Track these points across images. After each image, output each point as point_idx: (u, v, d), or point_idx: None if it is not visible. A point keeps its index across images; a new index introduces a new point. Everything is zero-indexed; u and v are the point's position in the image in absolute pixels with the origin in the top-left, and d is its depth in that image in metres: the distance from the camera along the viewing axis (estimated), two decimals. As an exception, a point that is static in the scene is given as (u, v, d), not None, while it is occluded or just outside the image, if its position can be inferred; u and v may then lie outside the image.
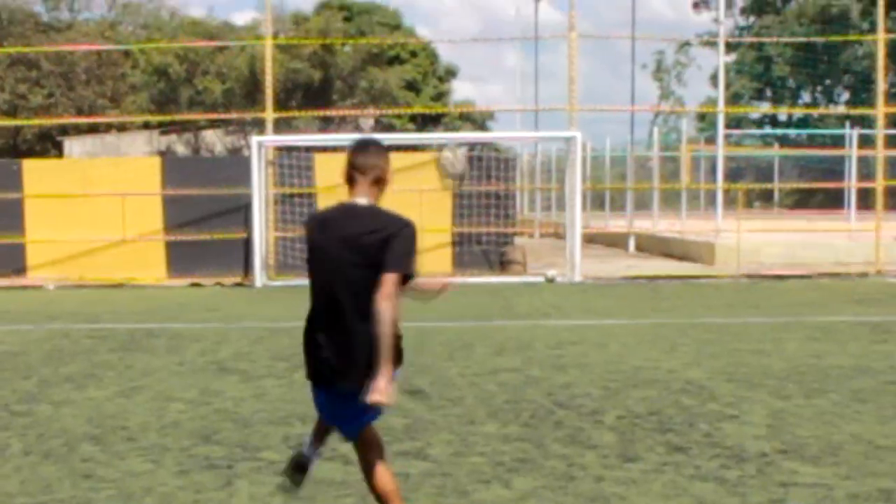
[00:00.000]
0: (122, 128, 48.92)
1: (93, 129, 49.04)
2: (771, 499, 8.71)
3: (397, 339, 6.91)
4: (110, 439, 11.21)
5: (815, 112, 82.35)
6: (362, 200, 7.10)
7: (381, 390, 6.66)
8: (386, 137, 39.81)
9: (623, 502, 8.84)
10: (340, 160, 26.88)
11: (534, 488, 9.24)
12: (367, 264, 6.82)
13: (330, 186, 31.15)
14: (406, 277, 6.90)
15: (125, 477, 9.73)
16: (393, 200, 25.35)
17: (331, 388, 7.04)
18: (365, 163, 7.16)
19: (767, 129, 77.87)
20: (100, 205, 30.78)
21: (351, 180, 7.18)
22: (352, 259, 6.87)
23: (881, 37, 33.02)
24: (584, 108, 31.58)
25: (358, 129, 52.72)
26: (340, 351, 6.95)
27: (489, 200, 32.03)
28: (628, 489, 9.19)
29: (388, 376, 6.74)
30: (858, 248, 32.92)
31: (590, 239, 40.48)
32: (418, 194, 30.79)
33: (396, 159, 31.87)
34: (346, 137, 41.12)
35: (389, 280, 6.77)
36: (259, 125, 31.87)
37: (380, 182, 7.19)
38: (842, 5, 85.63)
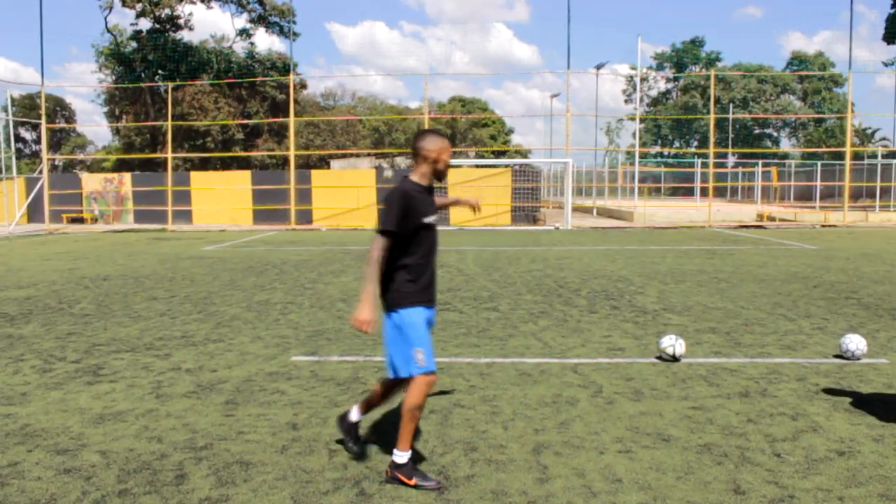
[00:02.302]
0: (357, 156, 49.09)
1: (344, 156, 49.29)
2: (658, 331, 8.59)
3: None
4: (350, 300, 11.23)
5: (680, 151, 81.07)
6: (415, 179, 4.55)
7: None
8: (481, 161, 39.62)
9: (589, 332, 8.76)
10: (461, 172, 26.25)
11: (548, 325, 9.17)
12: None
13: (454, 184, 31.13)
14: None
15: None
16: (485, 189, 24.90)
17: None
18: (420, 146, 4.54)
19: (658, 159, 76.58)
20: (347, 191, 30.95)
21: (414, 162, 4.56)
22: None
23: (712, 116, 32.73)
24: (573, 148, 31.27)
25: (468, 157, 52.47)
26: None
27: (528, 191, 31.75)
28: (593, 325, 9.09)
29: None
30: (699, 214, 32.35)
31: (575, 209, 40.12)
32: (496, 187, 30.78)
33: (486, 171, 32.04)
34: (463, 161, 41.06)
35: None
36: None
37: (434, 163, 4.54)
38: (694, 101, 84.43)
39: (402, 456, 4.49)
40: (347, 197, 31.12)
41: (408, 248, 4.45)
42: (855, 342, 7.36)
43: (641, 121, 78.67)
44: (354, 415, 4.97)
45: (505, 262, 16.60)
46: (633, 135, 44.93)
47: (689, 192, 51.08)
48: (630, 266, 15.52)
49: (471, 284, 12.88)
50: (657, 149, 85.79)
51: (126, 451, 5.04)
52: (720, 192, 54.42)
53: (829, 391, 6.30)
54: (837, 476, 4.57)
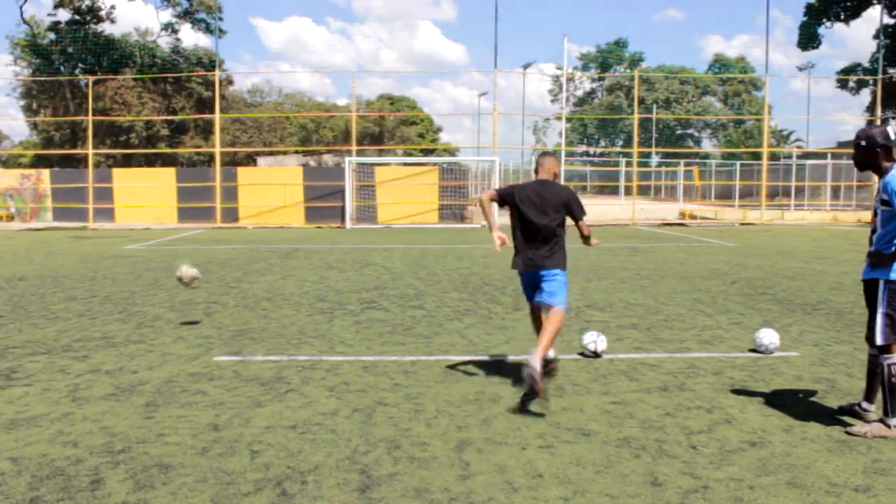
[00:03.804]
0: (284, 153, 48.54)
1: (271, 153, 48.70)
2: (580, 328, 8.71)
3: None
4: (276, 299, 11.16)
5: (606, 150, 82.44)
6: (545, 178, 6.56)
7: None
8: (409, 160, 39.58)
9: (513, 329, 8.83)
10: (388, 170, 26.29)
11: (473, 323, 9.22)
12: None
13: (381, 182, 31.06)
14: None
15: (282, 317, 9.68)
16: (411, 187, 24.93)
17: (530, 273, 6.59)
18: (542, 161, 6.67)
19: (584, 158, 77.65)
20: (273, 189, 30.60)
21: (537, 170, 6.65)
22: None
23: (636, 116, 33.32)
24: (501, 146, 31.34)
25: (395, 155, 52.33)
26: None
27: (455, 189, 31.89)
28: (516, 323, 9.18)
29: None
30: (623, 212, 32.96)
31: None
32: (423, 185, 30.82)
33: (414, 169, 32.01)
34: (390, 159, 40.96)
35: (585, 223, 6.52)
36: (349, 153, 31.69)
37: (551, 173, 6.59)
38: (619, 101, 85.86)
39: (539, 360, 5.66)
40: (274, 195, 30.79)
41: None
42: (769, 336, 7.58)
43: (568, 120, 79.57)
44: (536, 361, 5.67)
45: (432, 259, 16.63)
46: (560, 134, 45.44)
47: (614, 191, 51.94)
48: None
49: (397, 282, 12.87)
50: (583, 148, 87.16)
51: (39, 456, 4.89)
52: (644, 191, 55.46)
53: (744, 384, 6.49)
54: (749, 466, 4.71)
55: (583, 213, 6.50)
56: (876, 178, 5.35)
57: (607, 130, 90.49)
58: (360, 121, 52.01)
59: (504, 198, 6.58)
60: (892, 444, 5.07)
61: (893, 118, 43.96)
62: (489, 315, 9.70)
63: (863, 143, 5.28)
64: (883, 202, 5.20)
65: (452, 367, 7.08)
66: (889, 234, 5.19)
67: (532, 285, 6.63)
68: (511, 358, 7.42)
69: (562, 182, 39.34)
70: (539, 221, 6.42)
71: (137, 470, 4.66)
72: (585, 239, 6.57)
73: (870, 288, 5.32)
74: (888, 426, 5.20)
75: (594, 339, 7.44)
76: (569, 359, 7.36)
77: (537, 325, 6.79)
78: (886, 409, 5.20)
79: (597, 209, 34.40)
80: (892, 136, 5.25)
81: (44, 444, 5.10)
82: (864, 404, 5.56)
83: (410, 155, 55.52)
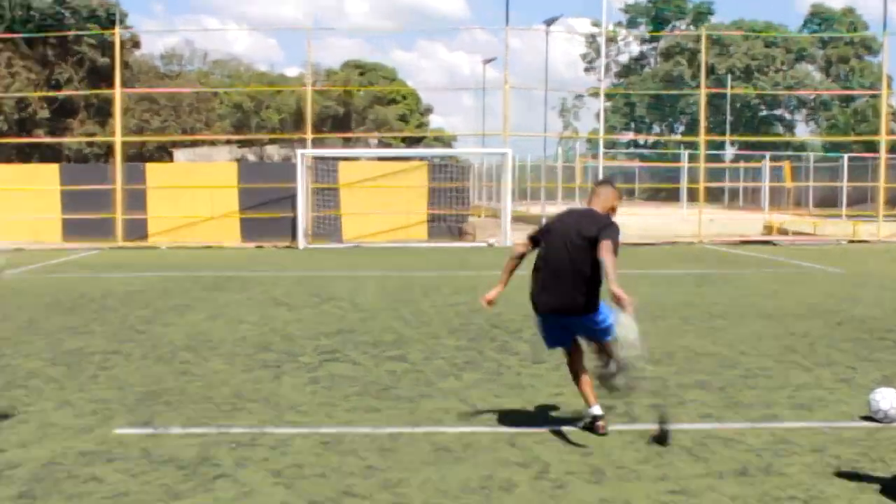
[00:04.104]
0: (212, 143, 48.65)
1: (193, 144, 48.82)
2: (627, 384, 8.73)
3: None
4: (200, 348, 11.16)
5: (661, 139, 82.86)
6: (594, 209, 7.38)
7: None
8: (385, 152, 39.72)
9: (534, 389, 8.87)
10: (356, 166, 26.63)
11: (476, 380, 9.25)
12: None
13: (348, 184, 31.17)
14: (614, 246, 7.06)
15: (209, 373, 9.69)
16: (389, 192, 25.16)
17: (555, 315, 7.44)
18: (599, 191, 7.52)
19: (631, 150, 78.10)
20: (197, 194, 30.66)
21: (590, 200, 7.51)
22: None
23: (703, 91, 33.64)
24: (514, 134, 31.48)
25: (367, 146, 52.54)
26: None
27: (452, 193, 32.00)
28: (537, 381, 9.22)
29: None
30: (688, 226, 33.07)
31: (515, 218, 40.46)
32: (406, 188, 30.95)
33: (392, 166, 32.09)
34: (359, 151, 41.16)
35: (607, 244, 6.91)
36: (302, 143, 31.72)
37: (609, 207, 7.38)
38: (679, 70, 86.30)
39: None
40: (198, 202, 30.78)
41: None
42: (890, 399, 7.58)
43: (608, 97, 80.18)
44: (595, 409, 7.34)
45: (418, 292, 16.65)
46: (597, 116, 45.76)
47: (673, 196, 52.07)
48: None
49: (370, 324, 12.89)
50: (630, 135, 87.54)
51: None
52: (715, 196, 55.55)
53: (855, 465, 6.51)
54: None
55: (610, 235, 7.03)
56: None
57: (663, 111, 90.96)
58: (317, 98, 52.21)
59: (540, 238, 7.53)
60: None
61: None
62: (498, 370, 9.72)
63: None
64: None
65: (447, 442, 7.10)
66: None
67: (560, 330, 7.42)
68: (529, 430, 7.43)
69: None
70: (572, 251, 7.16)
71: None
72: (603, 263, 7.00)
73: None
74: None
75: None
76: (610, 429, 7.38)
77: (576, 370, 7.49)
78: None
79: (649, 221, 34.51)
80: None
81: None
82: None
83: (389, 146, 55.70)
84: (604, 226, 7.10)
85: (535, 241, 7.51)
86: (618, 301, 6.73)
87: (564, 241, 7.16)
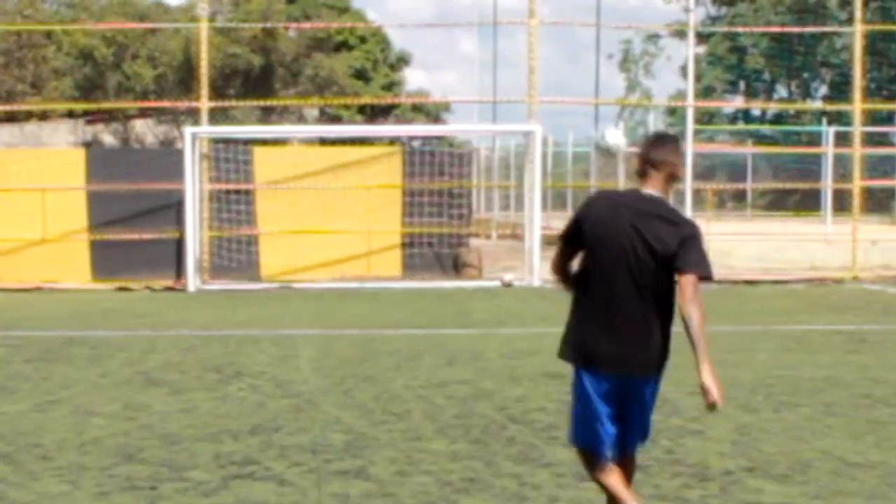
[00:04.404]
0: (43, 116, 48.74)
1: (11, 118, 48.87)
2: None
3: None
4: (23, 458, 11.14)
5: (790, 108, 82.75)
6: (654, 193, 7.46)
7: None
8: (332, 130, 40.11)
9: (575, 524, 8.91)
10: (282, 153, 27.04)
11: (482, 509, 9.28)
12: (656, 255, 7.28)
13: (269, 183, 31.19)
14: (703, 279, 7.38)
15: (39, 499, 9.67)
16: (338, 196, 25.50)
17: (610, 376, 7.64)
18: (659, 158, 7.46)
19: (741, 126, 78.06)
20: (18, 200, 30.67)
21: (643, 174, 7.51)
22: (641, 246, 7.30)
23: (859, 28, 33.20)
24: (545, 100, 31.69)
25: (301, 119, 52.70)
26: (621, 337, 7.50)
27: (442, 199, 31.98)
28: (579, 509, 9.26)
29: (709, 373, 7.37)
30: (835, 253, 33.11)
31: (550, 241, 40.49)
32: (366, 191, 30.93)
33: (343, 153, 32.18)
34: (288, 129, 41.32)
35: (691, 281, 7.27)
36: (193, 115, 31.83)
37: (672, 178, 7.59)
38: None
39: None
40: (21, 215, 30.82)
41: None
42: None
43: (701, 37, 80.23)
44: None
45: (386, 364, 16.73)
46: (684, 70, 45.46)
47: (808, 202, 52.19)
48: (672, 372, 15.74)
49: (305, 418, 12.95)
50: (738, 102, 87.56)
51: None
52: (880, 202, 55.66)
53: None
54: None
55: (698, 263, 7.45)
56: None
57: (792, 62, 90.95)
58: (219, 40, 52.20)
59: (574, 236, 7.74)
60: None
61: None
62: (519, 491, 9.74)
63: None
64: None
65: None
66: None
67: (611, 404, 7.73)
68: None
69: (687, 182, 39.61)
70: (633, 269, 7.33)
71: None
72: (684, 320, 7.38)
73: None
74: None
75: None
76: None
77: (614, 491, 7.80)
78: None
79: (770, 244, 34.45)
80: None
81: None
82: None
83: (338, 120, 55.80)
84: (686, 237, 7.27)
85: (572, 240, 7.72)
86: (705, 394, 7.14)
87: (622, 248, 7.30)
